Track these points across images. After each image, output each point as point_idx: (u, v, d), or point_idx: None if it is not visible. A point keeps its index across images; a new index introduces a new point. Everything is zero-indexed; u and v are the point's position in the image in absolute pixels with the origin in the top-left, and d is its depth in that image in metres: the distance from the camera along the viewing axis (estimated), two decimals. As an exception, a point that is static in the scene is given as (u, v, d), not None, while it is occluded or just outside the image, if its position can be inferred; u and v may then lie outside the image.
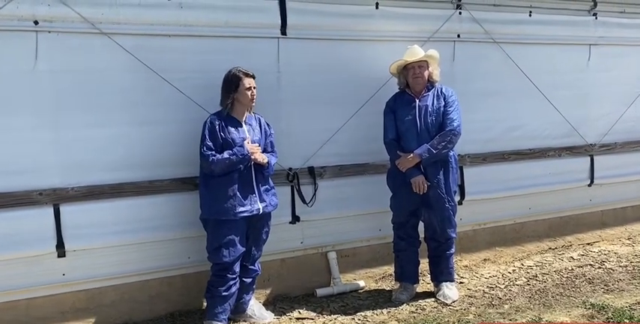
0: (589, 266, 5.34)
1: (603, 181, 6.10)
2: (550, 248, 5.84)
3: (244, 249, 3.98)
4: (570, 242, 5.99)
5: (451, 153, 4.48)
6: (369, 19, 4.76)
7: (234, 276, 3.95)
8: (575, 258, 5.59)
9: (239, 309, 4.18)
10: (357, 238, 4.97)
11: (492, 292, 4.76)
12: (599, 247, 5.93)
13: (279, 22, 4.43)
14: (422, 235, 4.70)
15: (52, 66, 3.75)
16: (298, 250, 4.76)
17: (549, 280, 5.00)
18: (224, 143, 3.85)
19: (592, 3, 5.82)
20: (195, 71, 4.15)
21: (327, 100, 4.66)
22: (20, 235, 3.74)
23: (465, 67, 5.19)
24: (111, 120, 3.94)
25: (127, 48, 3.92)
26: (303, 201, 4.61)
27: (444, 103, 4.45)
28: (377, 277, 5.05)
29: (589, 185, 6.06)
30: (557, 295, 4.64)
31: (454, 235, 4.61)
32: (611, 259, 5.52)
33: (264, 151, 4.05)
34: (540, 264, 5.41)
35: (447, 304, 4.49)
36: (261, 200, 3.98)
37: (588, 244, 6.01)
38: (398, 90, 4.61)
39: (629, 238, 6.20)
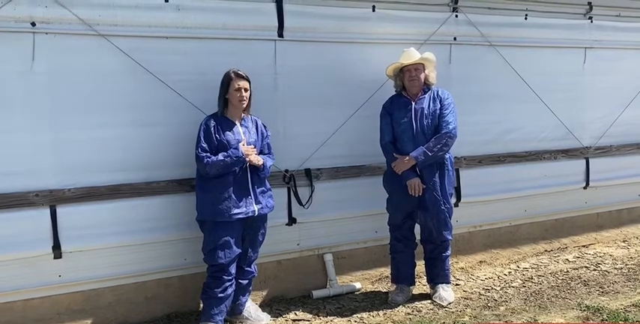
0: (584, 268, 5.36)
1: (599, 183, 6.13)
2: (546, 250, 5.86)
3: (240, 250, 3.98)
4: (566, 244, 6.01)
5: (447, 155, 4.49)
6: (366, 21, 4.78)
7: (230, 277, 3.96)
8: (570, 260, 5.61)
9: (235, 310, 4.18)
10: (353, 240, 4.98)
11: (488, 294, 4.77)
12: (594, 249, 5.95)
13: (277, 24, 4.45)
14: (418, 237, 4.72)
15: (49, 67, 3.76)
16: (295, 251, 4.76)
17: (545, 282, 5.01)
18: (219, 145, 3.85)
19: (588, 6, 5.86)
20: (193, 73, 4.16)
21: (324, 102, 4.67)
22: (16, 236, 3.74)
23: (461, 69, 5.21)
24: (108, 121, 3.94)
25: (124, 50, 3.93)
26: (300, 203, 4.62)
27: (440, 105, 4.46)
28: (373, 279, 5.06)
29: (584, 188, 6.08)
30: (553, 297, 4.66)
31: (450, 238, 4.61)
32: (607, 262, 5.54)
33: (261, 152, 4.05)
34: (536, 266, 5.43)
35: (442, 306, 4.50)
36: (257, 202, 3.98)
37: (584, 246, 6.03)
38: (394, 92, 4.62)
39: (624, 241, 6.22)
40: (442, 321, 4.20)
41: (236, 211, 3.87)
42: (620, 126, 6.16)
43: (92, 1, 3.84)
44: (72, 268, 3.94)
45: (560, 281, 5.02)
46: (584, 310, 4.32)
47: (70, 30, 3.79)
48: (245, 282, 4.16)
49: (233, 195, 3.86)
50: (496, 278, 5.13)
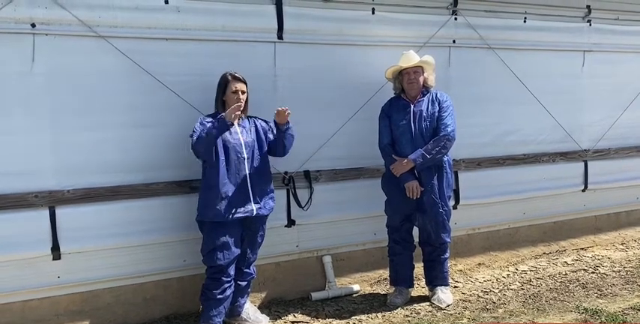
0: (583, 271, 5.37)
1: (597, 186, 6.13)
2: (544, 253, 5.86)
3: (239, 252, 3.98)
4: (564, 247, 6.01)
5: (445, 158, 4.49)
6: (366, 24, 4.79)
7: (229, 279, 3.96)
8: (569, 263, 5.61)
9: (234, 312, 4.18)
10: (352, 242, 4.99)
11: (486, 296, 4.77)
12: (592, 252, 5.95)
13: (276, 26, 4.46)
14: (417, 239, 4.72)
15: (49, 68, 3.77)
16: (293, 253, 4.77)
17: (543, 284, 5.02)
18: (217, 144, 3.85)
19: (586, 10, 5.87)
20: (192, 74, 4.16)
21: (324, 104, 4.68)
22: (15, 237, 3.75)
23: (460, 72, 5.22)
24: (107, 123, 3.95)
25: (124, 51, 3.94)
26: (299, 204, 4.63)
27: (438, 108, 4.46)
28: (372, 281, 5.06)
29: (583, 190, 6.09)
30: (551, 299, 4.66)
31: (448, 240, 4.62)
32: (605, 264, 5.55)
33: (269, 148, 4.07)
34: (534, 269, 5.43)
35: (441, 308, 4.51)
36: (255, 202, 3.98)
37: (582, 249, 6.04)
38: (393, 95, 4.63)
39: (622, 244, 6.23)
40: (440, 323, 4.20)
41: (234, 210, 3.86)
42: (618, 129, 6.17)
43: (92, 3, 3.85)
44: (71, 269, 3.95)
45: (558, 284, 5.02)
46: (583, 313, 4.32)
47: (70, 31, 3.80)
48: (244, 283, 4.16)
49: (231, 195, 3.86)
50: (495, 281, 5.14)
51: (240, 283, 4.11)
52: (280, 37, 4.48)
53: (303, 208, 4.64)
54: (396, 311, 4.49)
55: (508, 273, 5.33)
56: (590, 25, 5.90)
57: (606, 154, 6.17)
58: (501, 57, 5.38)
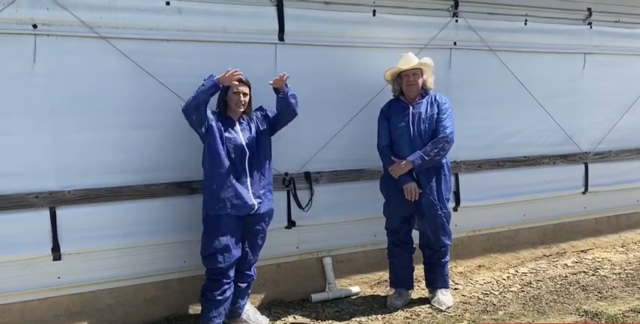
0: (583, 273, 5.37)
1: (597, 188, 6.13)
2: (544, 255, 5.86)
3: (239, 254, 3.97)
4: (564, 249, 6.01)
5: (444, 160, 4.49)
6: (367, 26, 4.80)
7: (229, 280, 3.95)
8: (569, 265, 5.61)
9: (234, 313, 4.18)
10: (352, 244, 4.99)
11: (487, 298, 4.77)
12: (593, 254, 5.95)
13: (277, 28, 4.47)
14: (416, 241, 4.72)
15: (50, 69, 3.77)
16: (294, 255, 4.76)
17: (543, 286, 5.01)
18: (220, 135, 3.85)
19: (587, 12, 5.88)
20: (193, 76, 4.12)
21: (324, 105, 4.69)
22: (16, 237, 3.75)
23: (460, 74, 5.22)
24: (108, 123, 3.96)
25: (125, 52, 3.94)
26: (299, 206, 4.63)
27: (437, 110, 4.46)
28: (372, 283, 5.06)
29: (583, 193, 6.09)
30: (551, 301, 4.66)
31: (448, 243, 4.61)
32: (605, 267, 5.54)
33: (278, 121, 4.12)
34: (534, 271, 5.43)
35: (441, 310, 4.50)
36: (256, 197, 3.96)
37: (582, 251, 6.04)
38: (393, 97, 4.64)
39: (622, 246, 6.23)
40: (441, 325, 4.21)
41: (236, 204, 3.85)
42: (618, 131, 6.17)
43: (94, 4, 3.86)
44: (71, 270, 3.95)
45: (558, 286, 5.02)
46: (583, 315, 4.32)
47: (72, 32, 3.81)
48: (244, 285, 4.15)
49: (232, 191, 3.84)
50: (495, 283, 5.13)
51: (240, 284, 4.11)
52: (281, 38, 4.49)
53: (303, 209, 4.64)
54: (396, 313, 4.49)
55: (508, 275, 5.33)
56: (591, 27, 5.91)
57: (607, 156, 6.17)
58: (502, 59, 5.38)
